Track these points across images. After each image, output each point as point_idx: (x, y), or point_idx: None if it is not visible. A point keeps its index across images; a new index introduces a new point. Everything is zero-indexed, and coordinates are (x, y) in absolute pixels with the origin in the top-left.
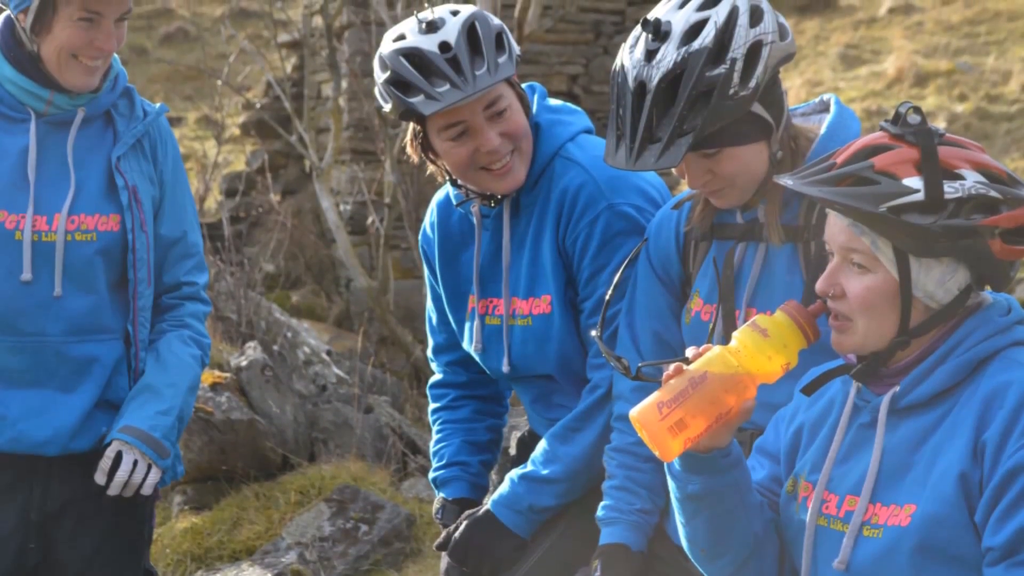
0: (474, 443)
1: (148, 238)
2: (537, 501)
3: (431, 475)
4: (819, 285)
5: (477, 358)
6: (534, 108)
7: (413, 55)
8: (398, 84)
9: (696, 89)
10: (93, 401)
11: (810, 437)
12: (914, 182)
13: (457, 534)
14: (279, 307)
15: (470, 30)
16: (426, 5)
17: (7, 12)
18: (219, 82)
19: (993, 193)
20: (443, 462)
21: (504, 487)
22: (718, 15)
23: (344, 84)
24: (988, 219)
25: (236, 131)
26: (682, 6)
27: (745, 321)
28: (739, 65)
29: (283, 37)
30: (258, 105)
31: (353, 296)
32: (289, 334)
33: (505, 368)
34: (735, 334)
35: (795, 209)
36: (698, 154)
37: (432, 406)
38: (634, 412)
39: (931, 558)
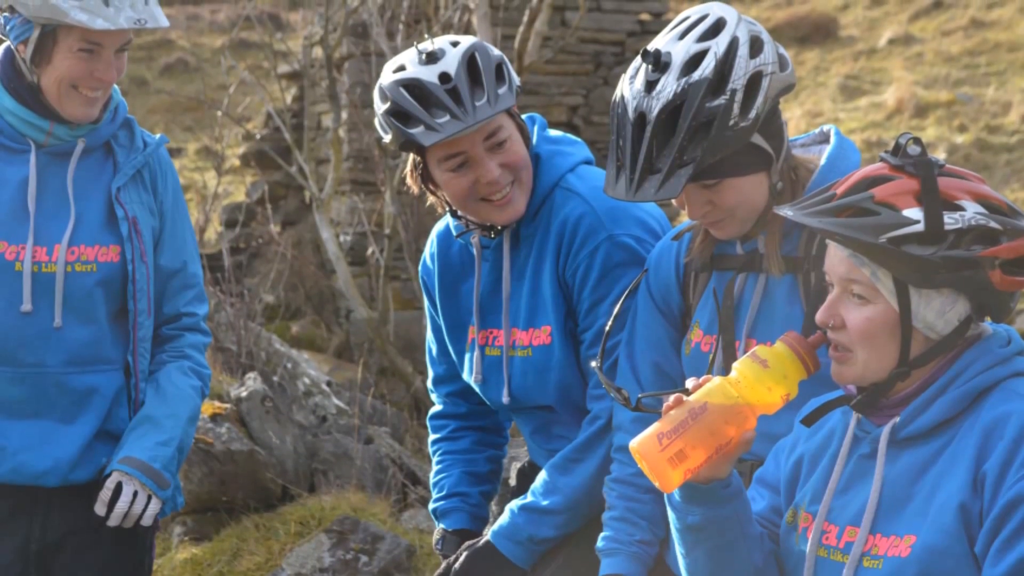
0: (474, 474)
1: (148, 269)
2: (537, 532)
3: (431, 506)
4: (819, 316)
5: (477, 389)
6: (534, 139)
7: (413, 86)
8: (398, 115)
9: (696, 120)
10: (93, 432)
11: (810, 468)
12: (914, 213)
13: (457, 565)
14: (279, 338)
15: (470, 61)
16: (426, 36)
17: (7, 43)
18: (219, 113)
19: (993, 224)
20: (443, 493)
21: (504, 518)
22: (718, 46)
23: (344, 115)
24: (988, 250)
25: (236, 162)
26: (682, 37)
27: (745, 352)
28: (739, 96)
29: (283, 68)
30: (258, 136)
31: (353, 327)
32: (289, 365)
33: (505, 399)
34: (735, 365)
35: (795, 240)
36: (698, 185)
37: (432, 437)
38: (634, 443)
39: None
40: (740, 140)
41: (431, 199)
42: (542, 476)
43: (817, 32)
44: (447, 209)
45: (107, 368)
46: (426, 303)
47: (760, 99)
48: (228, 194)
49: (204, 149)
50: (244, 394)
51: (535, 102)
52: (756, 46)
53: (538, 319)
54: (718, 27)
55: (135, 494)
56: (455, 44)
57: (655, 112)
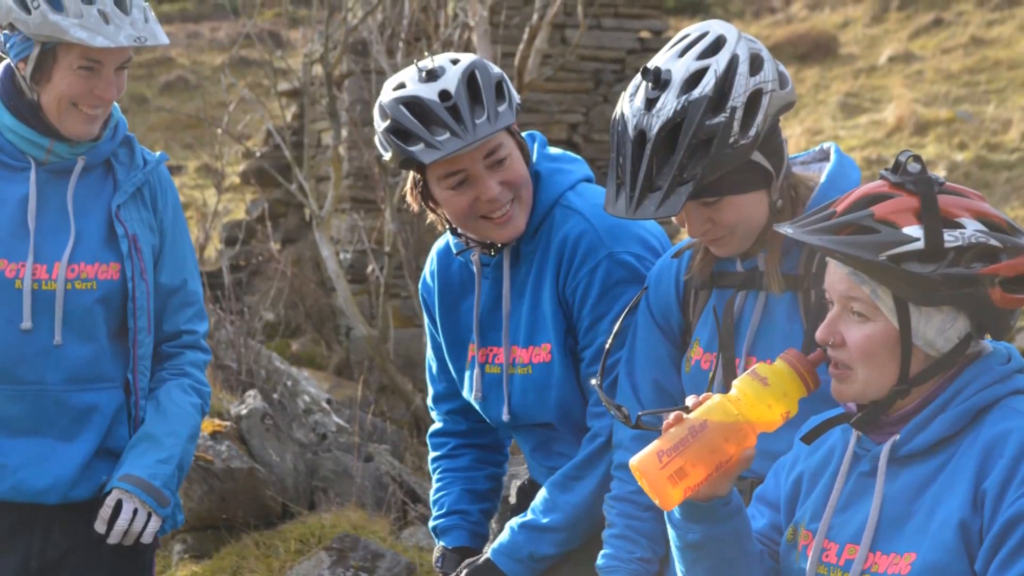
0: (474, 492)
1: (148, 286)
2: (537, 550)
3: (431, 524)
4: (819, 334)
5: (477, 407)
6: (534, 157)
7: (413, 104)
8: (398, 132)
9: (696, 138)
10: (93, 450)
11: (810, 485)
12: (914, 231)
13: None
14: (279, 356)
15: (470, 79)
16: (426, 54)
17: (7, 61)
18: (219, 131)
19: (993, 242)
20: (443, 511)
21: (504, 536)
22: (718, 64)
23: (344, 133)
24: (988, 268)
25: (236, 179)
26: (682, 55)
27: (745, 370)
28: (739, 114)
29: (283, 86)
30: (258, 154)
31: (353, 345)
32: (289, 383)
33: (505, 417)
34: (735, 383)
35: (795, 258)
36: (698, 203)
37: (432, 455)
38: (634, 461)
39: None
40: (740, 158)
41: (431, 217)
42: (542, 494)
43: (817, 50)
44: (447, 227)
45: (107, 386)
46: (426, 321)
47: (760, 117)
48: (228, 212)
49: (204, 167)
50: (244, 412)
51: (535, 120)
52: (756, 64)
53: (538, 337)
54: (718, 45)
55: (135, 512)
56: (455, 62)
57: (655, 130)
